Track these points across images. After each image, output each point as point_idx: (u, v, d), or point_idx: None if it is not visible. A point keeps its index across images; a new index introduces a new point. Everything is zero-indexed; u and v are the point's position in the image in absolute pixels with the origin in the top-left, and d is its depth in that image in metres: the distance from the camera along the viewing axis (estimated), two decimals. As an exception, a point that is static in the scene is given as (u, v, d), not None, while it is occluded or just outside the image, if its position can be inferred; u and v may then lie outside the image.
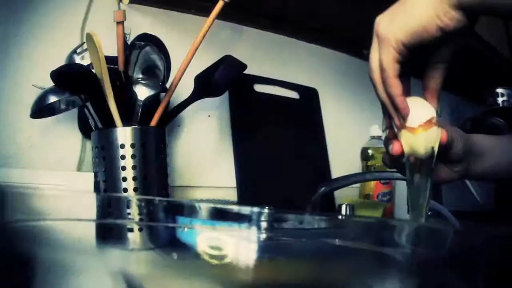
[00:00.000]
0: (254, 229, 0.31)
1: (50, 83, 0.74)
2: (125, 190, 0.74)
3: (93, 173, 0.78)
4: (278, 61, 1.19)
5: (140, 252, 0.55)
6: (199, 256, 0.37)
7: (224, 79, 0.85)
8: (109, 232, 0.45)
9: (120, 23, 0.80)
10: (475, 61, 1.44)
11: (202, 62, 0.87)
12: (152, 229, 0.50)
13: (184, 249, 0.42)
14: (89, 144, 0.86)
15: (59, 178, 0.75)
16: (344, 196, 1.13)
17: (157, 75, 0.78)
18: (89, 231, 0.43)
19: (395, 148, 0.58)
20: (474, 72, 1.55)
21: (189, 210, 0.41)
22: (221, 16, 0.81)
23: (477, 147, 0.64)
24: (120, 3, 0.81)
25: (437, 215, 0.95)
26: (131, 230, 0.51)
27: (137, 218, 0.45)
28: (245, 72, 0.90)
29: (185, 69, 0.81)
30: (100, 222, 0.44)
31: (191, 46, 0.80)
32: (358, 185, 1.19)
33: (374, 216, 1.07)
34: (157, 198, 0.35)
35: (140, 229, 0.54)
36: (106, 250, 0.42)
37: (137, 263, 0.46)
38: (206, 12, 0.96)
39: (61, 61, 0.80)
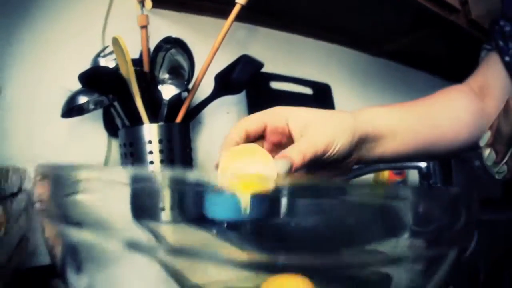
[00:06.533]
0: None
1: (74, 85, 0.77)
2: (153, 183, 0.77)
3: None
4: (292, 59, 1.22)
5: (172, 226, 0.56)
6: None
7: (242, 77, 0.87)
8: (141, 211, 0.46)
9: (144, 27, 0.84)
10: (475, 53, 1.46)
11: (220, 61, 0.89)
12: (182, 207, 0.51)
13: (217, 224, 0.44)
14: (114, 143, 0.89)
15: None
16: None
17: (182, 75, 0.80)
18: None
19: None
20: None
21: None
22: (237, 17, 0.82)
23: (374, 133, 0.56)
24: (143, 8, 0.85)
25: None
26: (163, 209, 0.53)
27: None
28: (261, 70, 0.91)
29: (206, 70, 0.83)
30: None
31: (211, 48, 0.82)
32: (371, 175, 1.23)
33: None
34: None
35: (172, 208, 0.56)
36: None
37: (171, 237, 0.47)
38: (220, 14, 1.00)
39: (83, 64, 0.83)
